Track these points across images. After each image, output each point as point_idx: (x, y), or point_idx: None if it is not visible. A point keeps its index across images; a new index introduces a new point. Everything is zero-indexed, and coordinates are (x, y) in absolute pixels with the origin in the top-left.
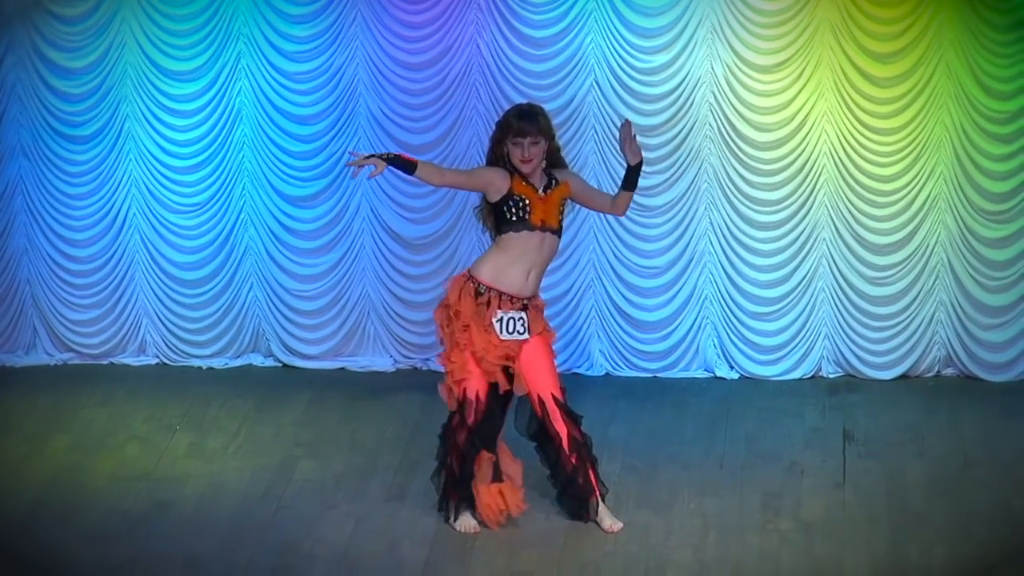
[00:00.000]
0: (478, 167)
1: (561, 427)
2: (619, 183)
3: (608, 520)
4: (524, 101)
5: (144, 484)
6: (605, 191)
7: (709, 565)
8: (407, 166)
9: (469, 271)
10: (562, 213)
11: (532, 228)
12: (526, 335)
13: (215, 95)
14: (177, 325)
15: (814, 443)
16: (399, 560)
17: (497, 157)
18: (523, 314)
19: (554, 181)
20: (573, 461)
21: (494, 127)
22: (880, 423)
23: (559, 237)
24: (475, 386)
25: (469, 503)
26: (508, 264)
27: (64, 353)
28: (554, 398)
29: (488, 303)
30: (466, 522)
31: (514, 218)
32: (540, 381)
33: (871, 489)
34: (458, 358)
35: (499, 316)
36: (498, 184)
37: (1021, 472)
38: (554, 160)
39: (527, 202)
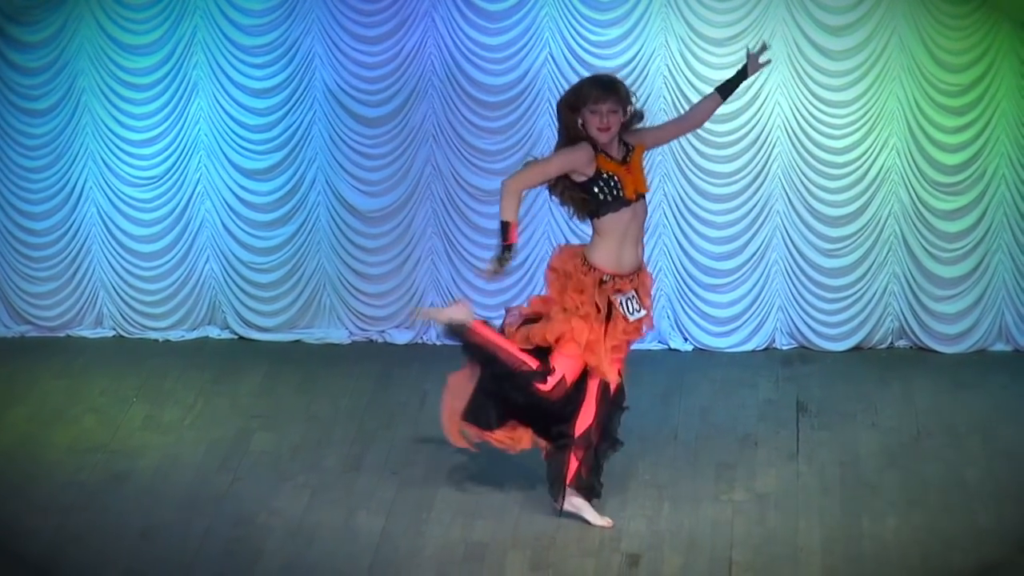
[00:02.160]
0: (558, 152)
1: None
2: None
3: (591, 516)
4: (601, 72)
5: (101, 456)
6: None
7: (663, 535)
8: (507, 235)
9: (587, 261)
10: (643, 171)
11: (629, 203)
12: (642, 311)
13: (171, 68)
14: (133, 297)
15: (768, 414)
16: (355, 531)
17: (568, 127)
18: (633, 292)
19: (629, 147)
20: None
21: (566, 95)
22: (833, 394)
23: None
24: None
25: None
26: (618, 246)
27: (21, 325)
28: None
29: (615, 290)
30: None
31: (609, 198)
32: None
33: (824, 460)
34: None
35: (620, 300)
36: (584, 163)
37: (973, 443)
38: (626, 126)
39: (617, 178)
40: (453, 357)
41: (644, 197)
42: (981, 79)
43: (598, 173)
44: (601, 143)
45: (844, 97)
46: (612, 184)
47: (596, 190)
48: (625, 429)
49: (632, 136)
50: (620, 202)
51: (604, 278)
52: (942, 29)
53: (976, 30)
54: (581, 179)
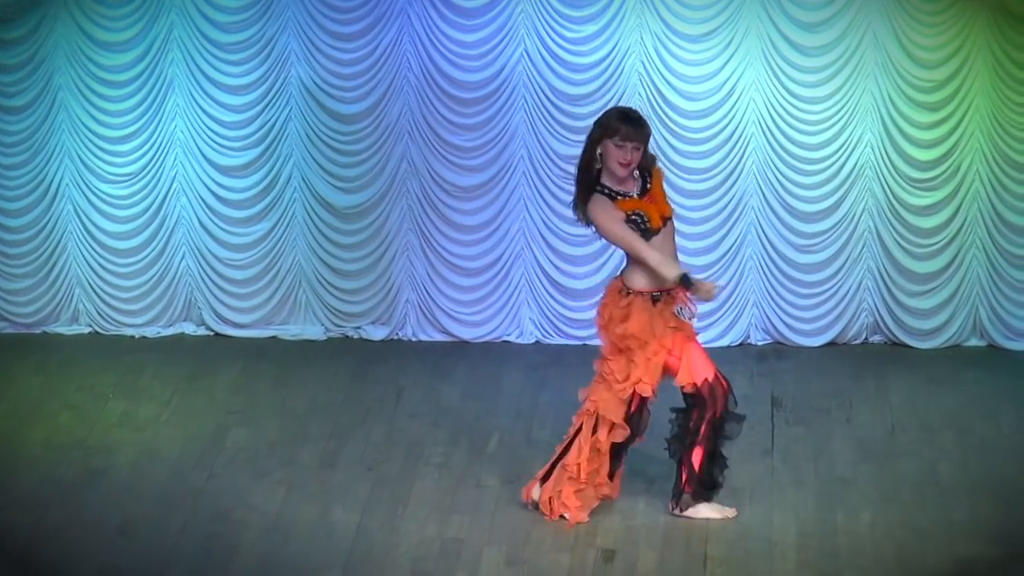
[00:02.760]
0: (617, 222)
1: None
2: (550, 153)
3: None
4: (623, 106)
5: (78, 452)
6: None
7: (638, 530)
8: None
9: (628, 288)
10: (665, 194)
11: (657, 231)
12: (693, 316)
13: (147, 65)
14: (110, 294)
15: (742, 409)
16: (331, 526)
17: (589, 159)
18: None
19: (647, 176)
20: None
21: (593, 128)
22: (808, 390)
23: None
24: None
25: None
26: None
27: None
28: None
29: (668, 301)
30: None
31: (640, 231)
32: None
33: (799, 455)
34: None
35: (676, 309)
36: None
37: (946, 438)
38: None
39: (643, 214)
40: (429, 353)
41: (671, 218)
42: (955, 75)
43: (626, 216)
44: (619, 176)
45: (818, 93)
46: (641, 220)
47: (631, 227)
48: None
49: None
50: (650, 233)
51: (655, 295)
52: (916, 25)
53: (950, 26)
54: None
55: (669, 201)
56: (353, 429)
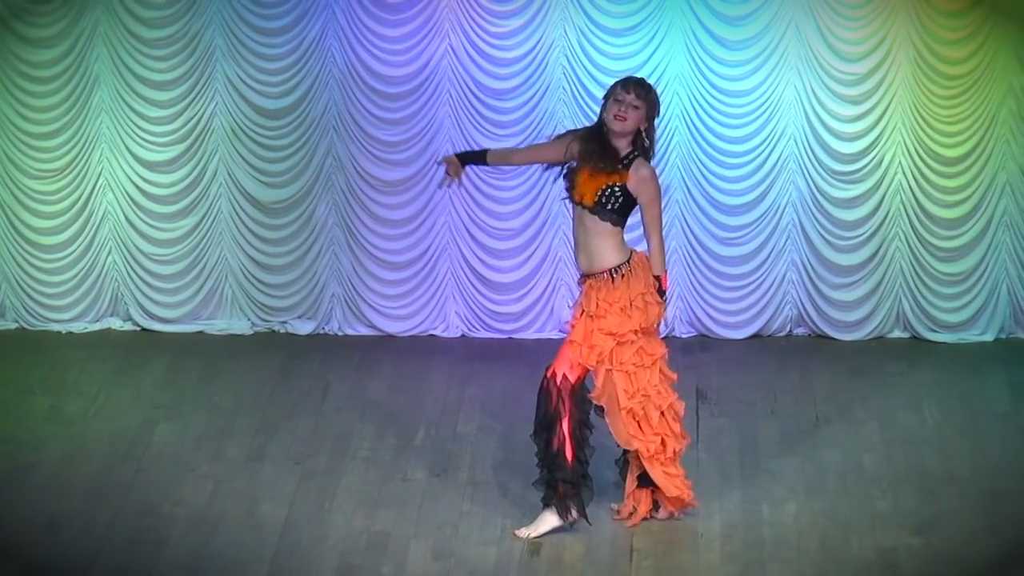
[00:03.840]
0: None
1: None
2: (475, 147)
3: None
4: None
5: (5, 447)
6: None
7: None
8: (478, 157)
9: (618, 266)
10: (603, 197)
11: (573, 201)
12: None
13: (73, 61)
14: (36, 290)
15: None
16: (258, 520)
17: (599, 123)
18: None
19: (623, 164)
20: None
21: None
22: (733, 382)
23: (600, 219)
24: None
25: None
26: (574, 242)
27: None
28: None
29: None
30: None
31: (565, 189)
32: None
33: (724, 447)
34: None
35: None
36: (572, 148)
37: (870, 429)
38: (644, 150)
39: (574, 172)
40: (355, 347)
41: (594, 213)
42: (878, 68)
43: (570, 156)
44: (614, 131)
45: (742, 87)
46: (568, 174)
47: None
48: (526, 418)
49: (639, 169)
50: (569, 196)
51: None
52: (839, 19)
53: (872, 19)
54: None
55: (604, 202)
56: (280, 423)
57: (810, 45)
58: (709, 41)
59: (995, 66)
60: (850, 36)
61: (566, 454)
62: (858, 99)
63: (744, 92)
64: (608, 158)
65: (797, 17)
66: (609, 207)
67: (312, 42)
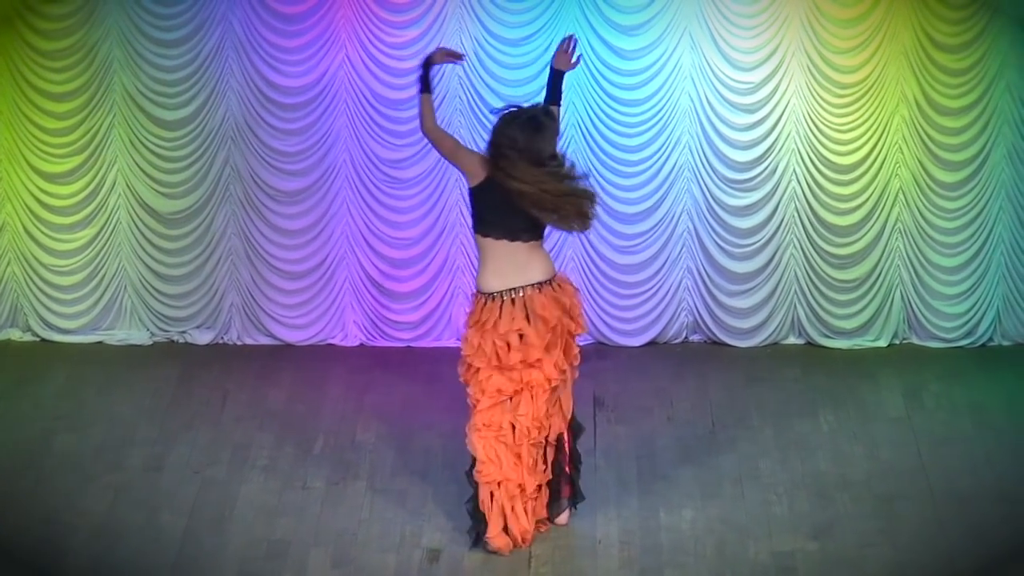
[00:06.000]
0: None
1: None
2: (372, 157)
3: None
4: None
5: None
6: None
7: (463, 530)
8: (425, 85)
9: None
10: None
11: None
12: None
13: None
14: None
15: None
16: (158, 530)
17: None
18: None
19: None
20: None
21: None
22: (629, 389)
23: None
24: None
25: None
26: None
27: None
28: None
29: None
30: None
31: None
32: None
33: (621, 454)
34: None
35: None
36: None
37: (766, 434)
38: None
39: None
40: (254, 357)
41: None
42: (771, 77)
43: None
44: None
45: (637, 96)
46: None
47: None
48: (425, 425)
49: None
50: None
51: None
52: (732, 27)
53: (765, 28)
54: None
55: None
56: (179, 433)
57: (704, 54)
58: (604, 50)
59: (887, 74)
60: (744, 45)
61: (567, 447)
62: (752, 107)
63: (639, 101)
64: None
65: (691, 26)
66: None
67: (210, 53)
